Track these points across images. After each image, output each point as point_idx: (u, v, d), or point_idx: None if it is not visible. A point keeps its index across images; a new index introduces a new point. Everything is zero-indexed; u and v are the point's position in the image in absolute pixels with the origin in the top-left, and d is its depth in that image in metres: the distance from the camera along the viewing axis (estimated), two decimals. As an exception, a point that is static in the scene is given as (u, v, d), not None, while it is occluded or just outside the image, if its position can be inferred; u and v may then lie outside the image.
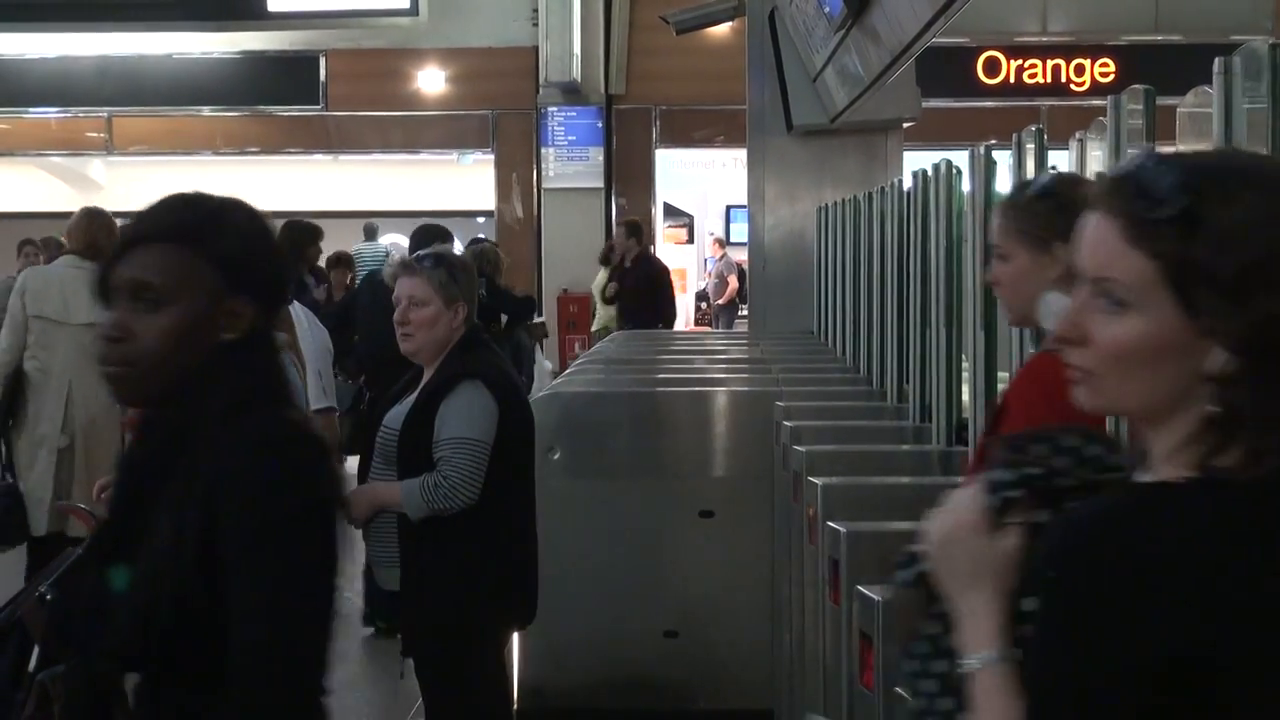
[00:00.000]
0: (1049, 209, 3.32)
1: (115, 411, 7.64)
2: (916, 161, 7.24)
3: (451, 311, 4.96)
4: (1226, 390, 1.71)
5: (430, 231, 9.46)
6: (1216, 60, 3.19)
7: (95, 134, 20.34)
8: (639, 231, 15.59)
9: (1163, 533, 1.68)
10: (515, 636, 6.03)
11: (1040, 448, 1.88)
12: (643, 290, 14.88)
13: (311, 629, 2.44)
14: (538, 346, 13.10)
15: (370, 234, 19.82)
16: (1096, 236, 1.78)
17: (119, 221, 9.12)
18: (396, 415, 4.99)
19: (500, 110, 19.78)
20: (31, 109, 20.18)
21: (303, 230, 10.66)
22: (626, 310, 14.76)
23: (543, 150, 19.50)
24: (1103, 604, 1.65)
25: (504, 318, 10.37)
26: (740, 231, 18.90)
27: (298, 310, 5.37)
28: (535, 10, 19.02)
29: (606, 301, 15.29)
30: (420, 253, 5.20)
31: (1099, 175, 1.93)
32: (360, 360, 9.29)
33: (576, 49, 18.84)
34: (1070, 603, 1.67)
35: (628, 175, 19.60)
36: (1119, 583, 1.65)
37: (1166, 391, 1.75)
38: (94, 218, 8.14)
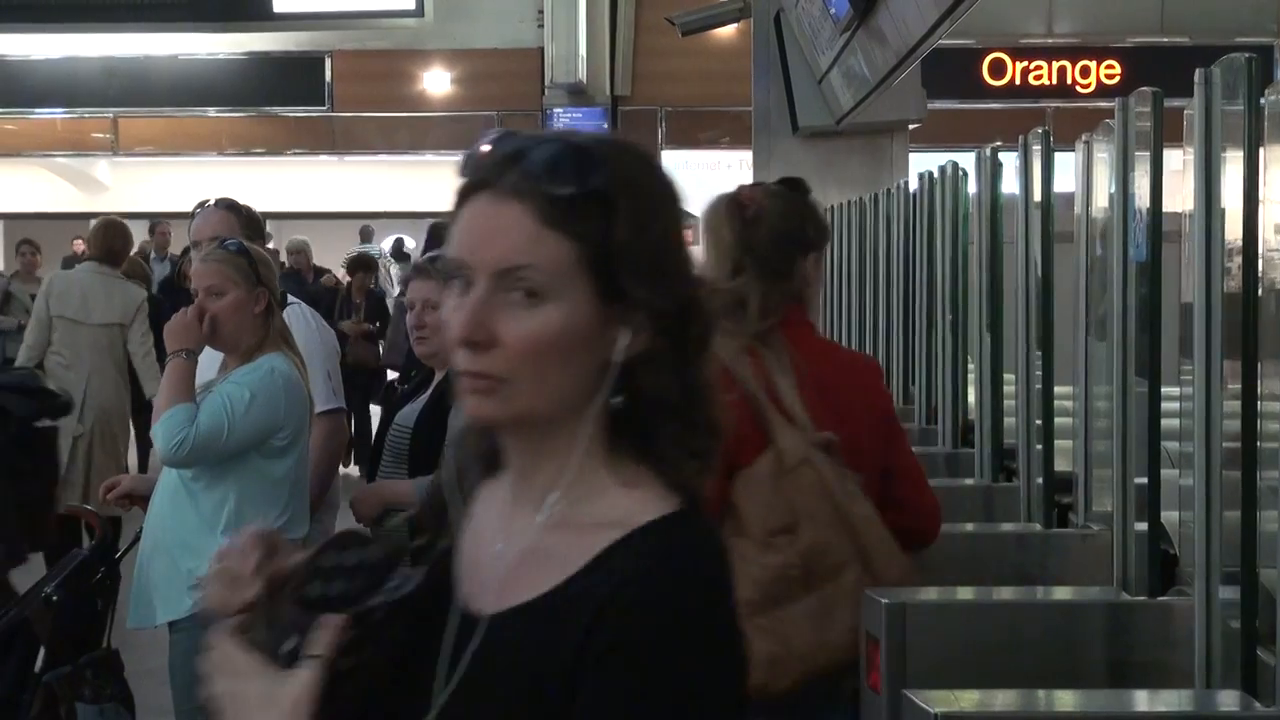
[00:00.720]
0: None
1: (125, 404, 8.95)
2: (922, 163, 7.24)
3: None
4: (644, 376, 1.62)
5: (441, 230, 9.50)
6: (1197, 72, 3.20)
7: (101, 135, 20.36)
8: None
9: (725, 574, 1.62)
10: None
11: (313, 585, 1.65)
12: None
13: None
14: None
15: (366, 237, 19.84)
16: (501, 223, 1.60)
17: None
18: (409, 414, 4.99)
19: (506, 111, 19.78)
20: (37, 109, 20.20)
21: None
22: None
23: (548, 151, 19.48)
24: (727, 653, 1.58)
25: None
26: (745, 233, 18.86)
27: (304, 310, 5.37)
28: (541, 11, 19.04)
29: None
30: (432, 254, 5.20)
31: (475, 152, 1.67)
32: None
33: (582, 50, 18.85)
34: (692, 659, 1.55)
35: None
36: (726, 631, 1.59)
37: (578, 387, 1.62)
38: (111, 226, 9.15)
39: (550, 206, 1.58)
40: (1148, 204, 3.64)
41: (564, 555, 1.61)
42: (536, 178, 1.59)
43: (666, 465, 1.63)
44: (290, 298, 5.30)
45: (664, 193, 1.65)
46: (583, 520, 1.62)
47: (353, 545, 1.68)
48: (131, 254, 10.60)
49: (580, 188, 1.59)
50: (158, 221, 16.81)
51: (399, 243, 21.03)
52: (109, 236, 9.06)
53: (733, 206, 3.53)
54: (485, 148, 1.65)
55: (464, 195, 1.64)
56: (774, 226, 3.52)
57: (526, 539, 1.64)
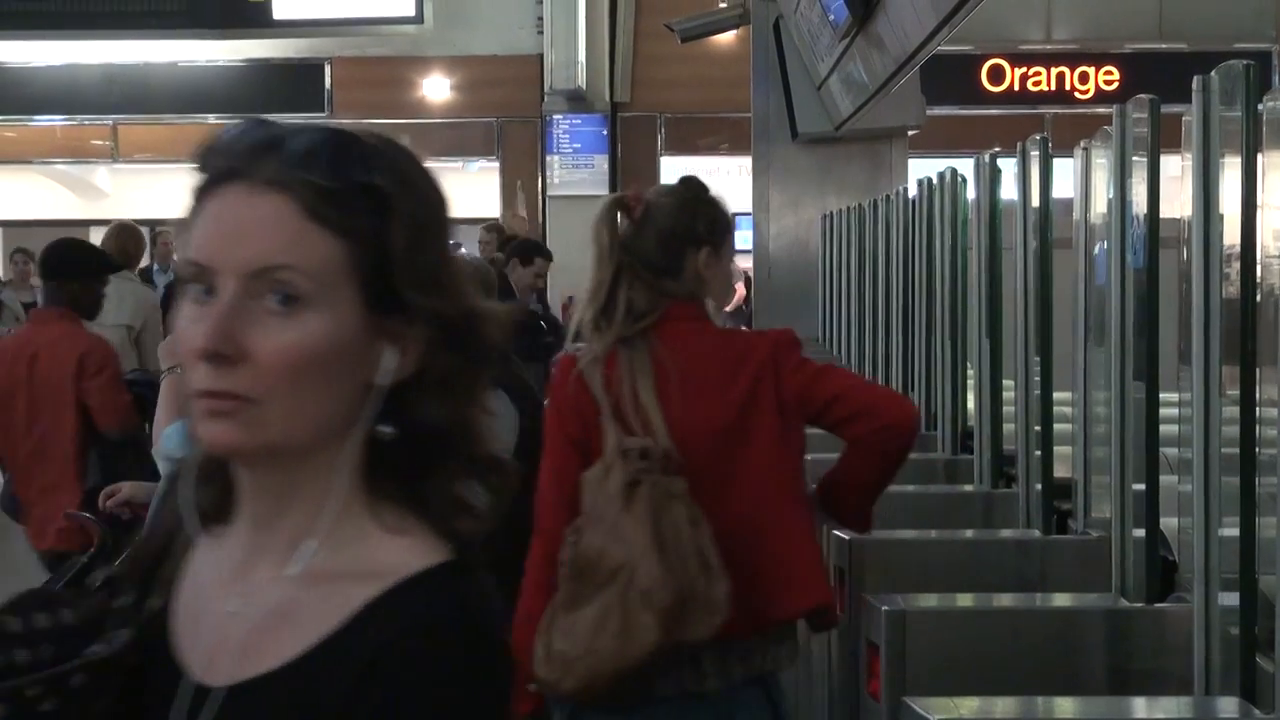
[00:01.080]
0: None
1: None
2: (921, 169, 7.24)
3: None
4: (414, 403, 1.42)
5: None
6: (1196, 78, 3.20)
7: (101, 142, 20.37)
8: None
9: (497, 632, 1.44)
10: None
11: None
12: None
13: None
14: None
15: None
16: (256, 216, 1.37)
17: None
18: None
19: (505, 118, 19.80)
20: (37, 117, 20.21)
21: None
22: None
23: (548, 158, 19.51)
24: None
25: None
26: (745, 239, 18.92)
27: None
28: (540, 18, 19.05)
29: None
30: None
31: (221, 141, 1.43)
32: None
33: (581, 56, 18.85)
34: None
35: (633, 183, 19.61)
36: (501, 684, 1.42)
37: (339, 413, 1.40)
38: (125, 229, 9.32)
39: (317, 198, 1.37)
40: (1144, 210, 3.65)
41: (316, 614, 1.40)
42: (301, 166, 1.38)
43: (436, 507, 1.43)
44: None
45: (439, 197, 1.45)
46: (339, 572, 1.41)
47: (44, 607, 1.45)
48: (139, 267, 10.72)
49: (353, 179, 1.38)
50: (160, 231, 16.83)
51: None
52: (123, 239, 9.14)
53: (614, 209, 3.58)
54: (233, 134, 1.43)
55: (206, 190, 1.41)
56: (660, 225, 3.56)
57: (271, 596, 1.41)
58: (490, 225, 14.85)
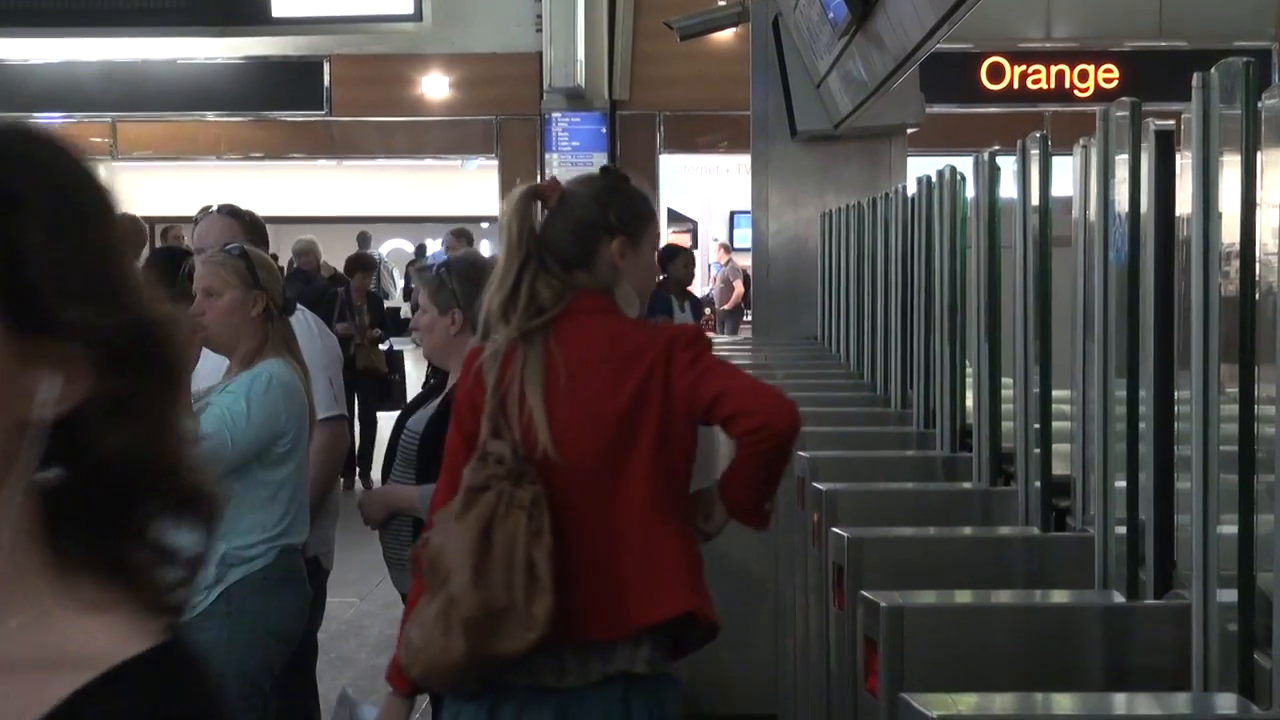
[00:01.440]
0: None
1: None
2: (920, 168, 7.25)
3: (446, 318, 4.99)
4: (92, 436, 1.18)
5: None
6: (1195, 75, 3.21)
7: (99, 139, 20.38)
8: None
9: None
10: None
11: None
12: None
13: None
14: None
15: (364, 243, 19.88)
16: None
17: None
18: (419, 419, 5.02)
19: (504, 116, 19.81)
20: (35, 114, 20.19)
21: None
22: None
23: (547, 156, 19.53)
24: None
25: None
26: (744, 237, 18.94)
27: (307, 317, 5.39)
28: (539, 16, 19.06)
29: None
30: (429, 257, 5.27)
31: None
32: None
33: (580, 54, 18.87)
34: None
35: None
36: None
37: None
38: (126, 219, 9.63)
39: None
40: (1126, 209, 3.66)
41: None
42: None
43: (139, 568, 1.21)
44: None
45: (93, 192, 1.28)
46: (19, 662, 1.16)
47: None
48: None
49: None
50: (169, 226, 16.85)
51: (421, 248, 21.30)
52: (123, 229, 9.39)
53: (528, 198, 3.57)
54: None
55: None
56: (574, 214, 3.57)
57: None
58: (458, 231, 14.85)
